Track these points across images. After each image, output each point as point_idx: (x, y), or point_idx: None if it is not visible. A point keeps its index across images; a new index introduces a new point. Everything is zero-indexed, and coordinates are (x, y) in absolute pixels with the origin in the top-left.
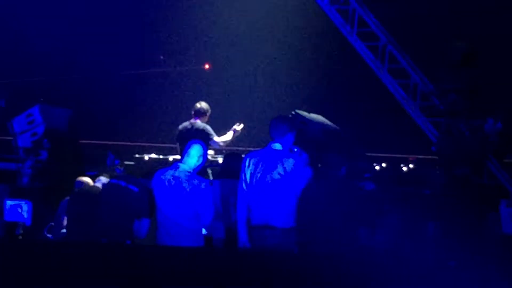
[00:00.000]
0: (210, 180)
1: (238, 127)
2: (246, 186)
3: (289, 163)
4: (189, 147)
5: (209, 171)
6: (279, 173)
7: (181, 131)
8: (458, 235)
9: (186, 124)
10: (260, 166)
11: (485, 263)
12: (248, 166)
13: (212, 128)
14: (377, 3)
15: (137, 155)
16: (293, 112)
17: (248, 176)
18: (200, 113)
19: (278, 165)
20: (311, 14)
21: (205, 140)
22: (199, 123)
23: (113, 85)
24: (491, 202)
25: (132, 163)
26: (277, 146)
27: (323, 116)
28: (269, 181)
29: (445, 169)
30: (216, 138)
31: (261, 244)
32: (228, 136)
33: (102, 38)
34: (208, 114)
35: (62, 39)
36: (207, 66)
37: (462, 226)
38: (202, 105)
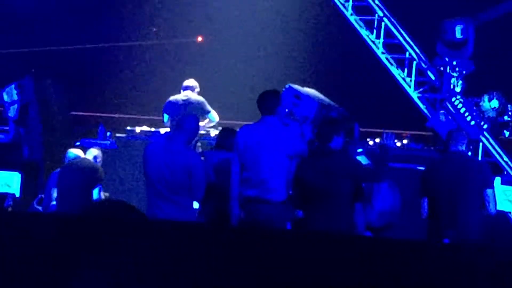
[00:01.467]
0: (201, 153)
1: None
2: (239, 159)
3: (282, 136)
4: (183, 120)
5: (199, 144)
6: (272, 146)
7: (172, 102)
8: (453, 212)
9: (179, 95)
10: (254, 139)
11: (480, 241)
12: (242, 139)
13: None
14: None
15: (128, 127)
16: (286, 86)
17: (241, 149)
18: (188, 88)
19: (271, 138)
20: None
21: (198, 111)
22: (195, 96)
23: (105, 57)
24: (486, 179)
25: (123, 135)
26: (270, 119)
27: (317, 90)
28: (263, 154)
29: (440, 145)
30: (213, 113)
31: (254, 217)
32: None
33: (94, 8)
34: (197, 90)
35: (54, 10)
36: (200, 39)
37: (457, 203)
38: (191, 81)
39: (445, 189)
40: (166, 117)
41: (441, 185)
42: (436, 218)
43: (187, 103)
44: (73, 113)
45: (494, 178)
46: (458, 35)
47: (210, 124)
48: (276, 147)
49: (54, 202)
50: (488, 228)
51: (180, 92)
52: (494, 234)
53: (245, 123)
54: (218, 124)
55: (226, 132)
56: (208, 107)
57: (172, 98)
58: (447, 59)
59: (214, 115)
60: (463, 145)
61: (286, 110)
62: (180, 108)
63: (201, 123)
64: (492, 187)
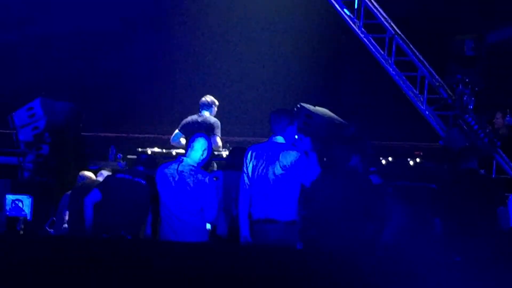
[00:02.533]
0: (214, 174)
1: None
2: (247, 179)
3: (291, 157)
4: (193, 141)
5: (215, 164)
6: (280, 167)
7: (188, 122)
8: (466, 230)
9: (194, 116)
10: (262, 159)
11: (493, 259)
12: (250, 159)
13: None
14: None
15: (140, 149)
16: (298, 105)
17: (250, 169)
18: (206, 106)
19: (280, 159)
20: (317, 6)
21: (209, 133)
22: (208, 116)
23: (116, 78)
24: (499, 196)
25: (134, 156)
26: (279, 139)
27: (329, 109)
28: (271, 175)
29: (453, 163)
30: (218, 139)
31: (263, 238)
32: (220, 147)
33: (104, 29)
34: (214, 106)
35: (64, 30)
36: None
37: (470, 221)
38: (207, 98)
39: (457, 208)
40: (176, 136)
41: (453, 203)
42: (449, 236)
43: (202, 123)
44: (84, 133)
45: (506, 195)
46: (469, 51)
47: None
48: (283, 169)
49: (65, 225)
50: (502, 246)
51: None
52: (508, 252)
53: (255, 139)
54: (230, 142)
55: (237, 152)
56: (216, 130)
57: (189, 118)
58: (458, 76)
59: (217, 141)
60: (474, 162)
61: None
62: (191, 129)
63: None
64: (505, 205)
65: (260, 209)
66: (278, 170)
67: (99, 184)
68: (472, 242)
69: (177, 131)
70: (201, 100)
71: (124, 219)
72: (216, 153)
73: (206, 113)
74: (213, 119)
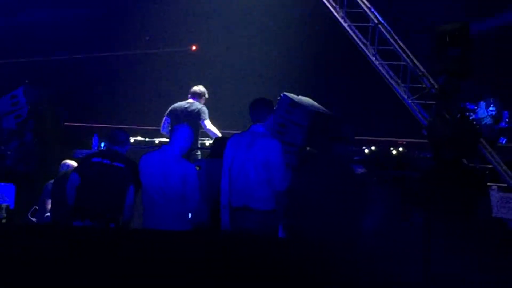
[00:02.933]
0: (197, 163)
1: None
2: (228, 168)
3: (270, 146)
4: (176, 130)
5: (198, 153)
6: (259, 155)
7: (175, 108)
8: (447, 220)
9: (182, 102)
10: (242, 148)
11: (475, 248)
12: (230, 148)
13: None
14: None
15: None
16: (281, 94)
17: (230, 158)
18: (196, 95)
19: (259, 148)
20: None
21: (196, 120)
22: (196, 103)
23: (98, 67)
24: (480, 186)
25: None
26: (259, 128)
27: (312, 98)
28: (250, 164)
29: (435, 152)
30: (207, 122)
31: (242, 226)
32: (217, 132)
33: (86, 17)
34: (204, 97)
35: (48, 20)
36: (194, 48)
37: (451, 211)
38: (200, 87)
39: (439, 197)
40: (165, 124)
41: (435, 192)
42: (431, 226)
43: (190, 110)
44: (67, 123)
45: (488, 185)
46: (448, 37)
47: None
48: (262, 158)
49: (48, 214)
50: (483, 234)
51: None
52: (491, 241)
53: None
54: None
55: (220, 141)
56: (204, 116)
57: (176, 104)
58: (441, 66)
59: (207, 124)
60: (456, 153)
61: (281, 118)
62: (178, 115)
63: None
64: (486, 194)
65: (240, 197)
66: (257, 158)
67: (77, 167)
68: (453, 231)
69: (165, 117)
70: (192, 88)
71: (104, 205)
72: (200, 142)
73: (197, 103)
74: (199, 105)
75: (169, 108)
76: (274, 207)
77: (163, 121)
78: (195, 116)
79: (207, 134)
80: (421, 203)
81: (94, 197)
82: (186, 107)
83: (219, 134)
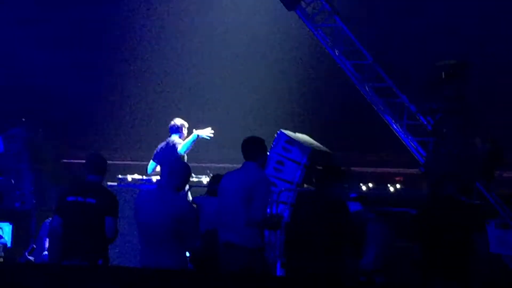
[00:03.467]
0: (194, 201)
1: (203, 131)
2: (219, 204)
3: (259, 184)
4: (168, 167)
5: (189, 193)
6: (244, 191)
7: (157, 150)
8: (444, 256)
9: (162, 143)
10: (232, 185)
11: (472, 283)
12: (222, 185)
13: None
14: (362, 24)
15: (120, 176)
16: (278, 132)
17: (221, 195)
18: (174, 130)
19: (244, 184)
20: (297, 34)
21: (174, 151)
22: (171, 139)
23: (95, 104)
24: (477, 222)
25: (115, 183)
26: (248, 165)
27: (309, 135)
28: (237, 201)
29: (433, 189)
30: (179, 146)
31: (228, 262)
32: (187, 139)
33: (82, 56)
34: (184, 129)
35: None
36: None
37: (448, 246)
38: (175, 121)
39: (435, 233)
40: (151, 166)
41: (433, 229)
42: (431, 263)
43: (165, 149)
44: (64, 160)
45: (486, 221)
46: (443, 74)
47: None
48: (250, 196)
49: (46, 252)
50: (481, 271)
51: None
52: (489, 276)
53: (234, 165)
54: (210, 168)
55: (216, 179)
56: (178, 145)
57: (159, 146)
58: (438, 103)
59: (179, 147)
60: (454, 189)
61: (278, 155)
62: (161, 154)
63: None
64: (482, 230)
65: (227, 233)
66: (244, 196)
67: (56, 209)
68: (450, 267)
69: (151, 161)
70: (170, 124)
71: (87, 243)
72: (195, 179)
73: (174, 137)
74: (175, 140)
75: (154, 152)
76: (261, 246)
77: (149, 164)
78: (173, 149)
79: (203, 171)
80: (418, 240)
81: (76, 237)
82: (163, 147)
83: (189, 140)
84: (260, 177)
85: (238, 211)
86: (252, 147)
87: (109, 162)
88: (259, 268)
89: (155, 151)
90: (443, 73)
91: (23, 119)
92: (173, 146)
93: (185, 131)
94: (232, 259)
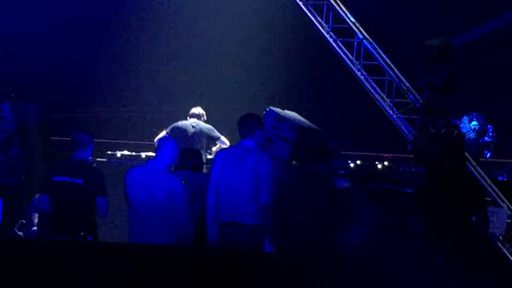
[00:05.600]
0: (182, 177)
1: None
2: (215, 182)
3: (261, 160)
4: (162, 145)
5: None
6: (249, 170)
7: (179, 126)
8: (444, 232)
9: (187, 122)
10: (230, 163)
11: (472, 262)
12: (218, 162)
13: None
14: (352, 1)
15: (109, 152)
16: (267, 109)
17: (217, 172)
18: (196, 116)
19: (247, 163)
20: (285, 10)
21: (207, 138)
22: (202, 123)
23: (86, 82)
24: (479, 198)
25: (104, 159)
26: (249, 143)
27: (297, 112)
28: (239, 179)
29: (425, 166)
30: (223, 138)
31: (229, 241)
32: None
33: (72, 31)
34: (203, 118)
35: (35, 34)
36: None
37: (449, 223)
38: (199, 109)
39: (437, 210)
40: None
41: (433, 206)
42: (428, 239)
43: (198, 129)
44: (54, 138)
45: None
46: (435, 52)
47: (224, 146)
48: (249, 173)
49: (35, 228)
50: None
51: (187, 119)
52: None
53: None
54: None
55: (188, 153)
56: (217, 133)
57: (179, 123)
58: (426, 80)
59: (224, 140)
60: (446, 166)
61: (267, 133)
62: (189, 134)
63: (213, 148)
64: (485, 207)
65: (227, 212)
66: (244, 174)
67: (43, 188)
68: (451, 245)
69: (164, 132)
70: (191, 111)
71: (76, 221)
72: (209, 156)
73: (196, 120)
74: (206, 125)
75: (172, 125)
76: (261, 222)
77: (160, 134)
78: (207, 134)
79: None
80: (418, 217)
81: (65, 216)
82: (194, 126)
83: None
84: (261, 156)
85: (237, 189)
86: (249, 124)
87: (99, 140)
88: (258, 245)
89: (173, 125)
90: (434, 51)
91: (12, 95)
92: (208, 133)
93: (203, 121)
94: (231, 237)
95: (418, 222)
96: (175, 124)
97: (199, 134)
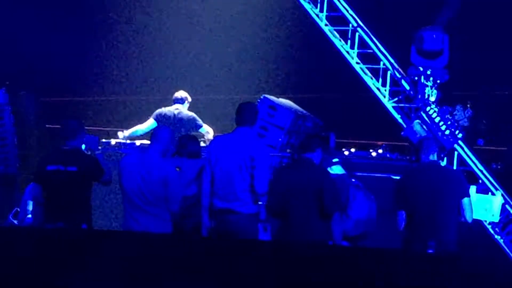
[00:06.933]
0: (177, 164)
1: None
2: (210, 170)
3: (258, 149)
4: (157, 132)
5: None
6: (243, 158)
7: (163, 113)
8: (430, 222)
9: (170, 108)
10: (226, 150)
11: (457, 250)
12: (214, 150)
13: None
14: None
15: (104, 140)
16: (261, 97)
17: (213, 159)
18: (180, 101)
19: (243, 150)
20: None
21: (193, 127)
22: (185, 110)
23: (79, 69)
24: (463, 188)
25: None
26: (244, 131)
27: (292, 100)
28: (234, 167)
29: (415, 154)
30: (205, 126)
31: (224, 228)
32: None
33: (65, 20)
34: (187, 101)
35: (27, 21)
36: None
37: (434, 213)
38: (181, 93)
39: (422, 200)
40: (151, 126)
41: (418, 195)
42: (414, 229)
43: (179, 117)
44: (49, 126)
45: (469, 187)
46: (434, 44)
47: (208, 136)
48: (245, 160)
49: (29, 215)
50: (464, 237)
51: (171, 104)
52: (469, 243)
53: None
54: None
55: (185, 140)
56: (200, 122)
57: (163, 110)
58: (421, 68)
59: (206, 128)
60: (434, 154)
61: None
62: (171, 121)
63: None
64: (468, 196)
65: (223, 200)
66: (241, 161)
67: (35, 177)
68: (438, 234)
69: (152, 120)
70: (174, 95)
71: (71, 209)
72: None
73: (179, 106)
74: (189, 112)
75: (156, 112)
76: (256, 211)
77: (148, 123)
78: (189, 122)
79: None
80: (403, 206)
81: (59, 204)
82: (176, 114)
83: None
84: (259, 145)
85: (234, 177)
86: (247, 112)
87: (95, 128)
88: (254, 233)
89: (158, 112)
90: (432, 39)
91: (7, 82)
92: (190, 121)
93: (187, 105)
94: (227, 224)
95: (402, 215)
96: (159, 110)
97: (181, 121)
